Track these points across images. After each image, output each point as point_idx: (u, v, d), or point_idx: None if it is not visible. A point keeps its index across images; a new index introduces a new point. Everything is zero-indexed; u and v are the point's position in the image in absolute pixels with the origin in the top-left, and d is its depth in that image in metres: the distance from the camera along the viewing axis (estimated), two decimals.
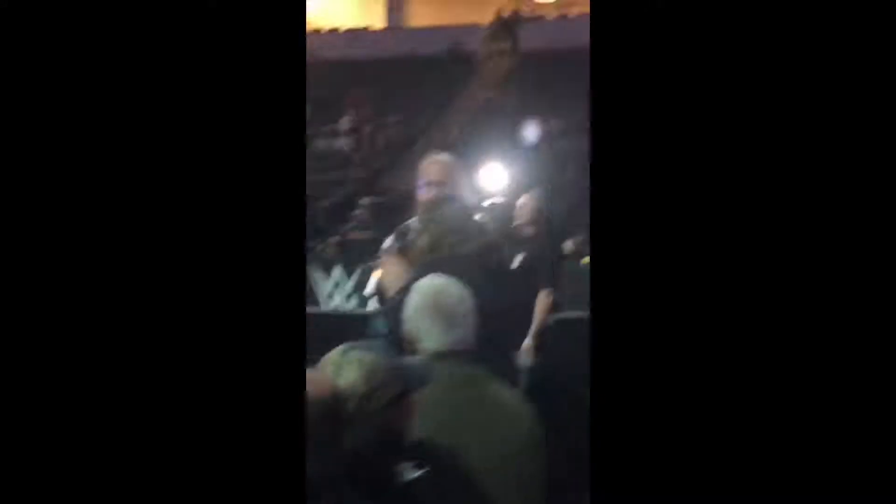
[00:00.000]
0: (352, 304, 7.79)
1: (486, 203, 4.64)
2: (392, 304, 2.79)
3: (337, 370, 1.78)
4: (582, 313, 3.28)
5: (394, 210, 5.03)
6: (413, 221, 3.34)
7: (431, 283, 2.30)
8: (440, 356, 2.17)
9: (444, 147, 12.71)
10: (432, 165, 3.47)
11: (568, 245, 6.16)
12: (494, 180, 7.48)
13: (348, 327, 2.95)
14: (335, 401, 1.69)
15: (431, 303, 2.23)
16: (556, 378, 2.91)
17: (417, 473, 1.80)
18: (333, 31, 16.85)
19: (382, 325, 2.79)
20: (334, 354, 1.83)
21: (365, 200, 9.67)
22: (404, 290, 2.59)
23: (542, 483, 2.16)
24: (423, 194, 3.40)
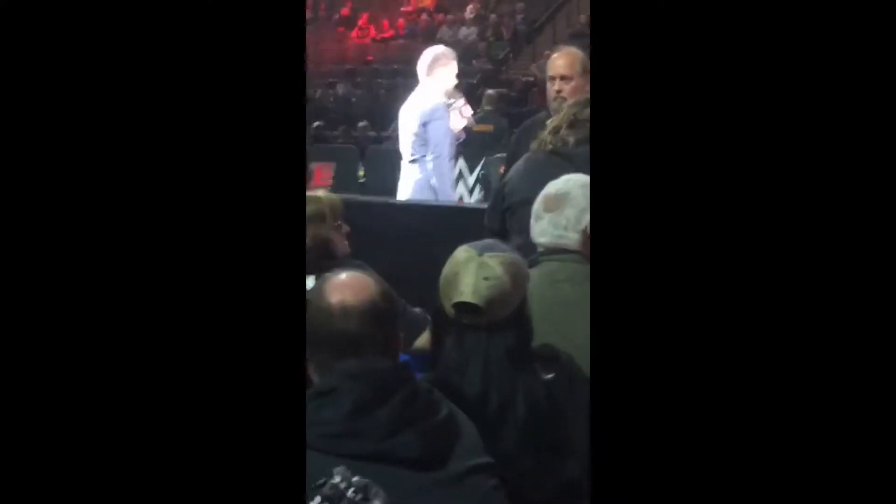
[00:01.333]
0: (475, 198, 7.80)
1: None
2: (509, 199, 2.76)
3: (479, 269, 1.75)
4: None
5: (518, 102, 4.96)
6: (540, 116, 3.28)
7: (564, 177, 2.24)
8: (545, 251, 2.12)
9: (571, 37, 12.44)
10: (560, 59, 3.39)
11: None
12: None
13: (471, 221, 2.94)
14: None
15: (546, 195, 2.18)
16: None
17: (550, 375, 1.79)
18: None
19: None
20: (465, 254, 1.79)
21: (489, 92, 9.56)
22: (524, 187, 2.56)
23: None
24: (551, 88, 3.34)
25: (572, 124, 2.72)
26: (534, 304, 1.89)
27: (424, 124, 4.45)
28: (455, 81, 4.59)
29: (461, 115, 4.61)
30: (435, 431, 1.57)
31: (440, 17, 16.62)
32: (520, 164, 2.87)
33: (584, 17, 14.43)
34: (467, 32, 15.62)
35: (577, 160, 2.57)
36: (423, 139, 4.47)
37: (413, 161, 4.52)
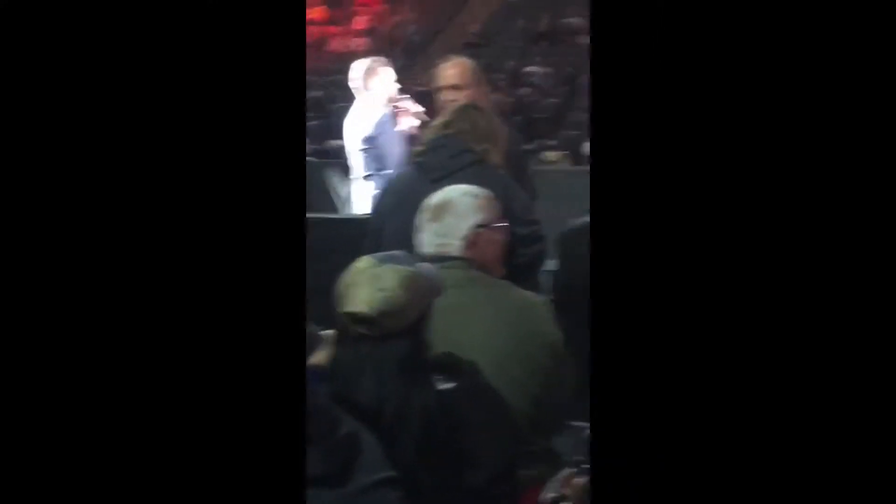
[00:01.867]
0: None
1: None
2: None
3: (373, 280, 1.75)
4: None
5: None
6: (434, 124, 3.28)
7: (447, 187, 2.27)
8: (430, 260, 2.14)
9: (464, 46, 12.54)
10: (450, 69, 3.41)
11: None
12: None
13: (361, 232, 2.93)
14: None
15: (427, 206, 2.21)
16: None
17: (450, 385, 1.79)
18: None
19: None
20: (364, 264, 1.79)
21: None
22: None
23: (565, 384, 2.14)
24: (443, 99, 3.35)
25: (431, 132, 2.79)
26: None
27: (373, 138, 4.39)
28: (397, 86, 4.55)
29: (411, 114, 4.53)
30: (336, 448, 1.56)
31: (330, 28, 16.57)
32: (393, 176, 2.93)
33: (476, 27, 14.57)
34: (358, 44, 15.59)
35: (427, 168, 2.66)
36: (374, 154, 4.41)
37: (368, 177, 4.45)
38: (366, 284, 1.75)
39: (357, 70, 4.51)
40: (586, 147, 6.45)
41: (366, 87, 4.46)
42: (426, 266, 1.87)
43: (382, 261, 1.79)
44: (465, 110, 2.84)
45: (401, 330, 1.76)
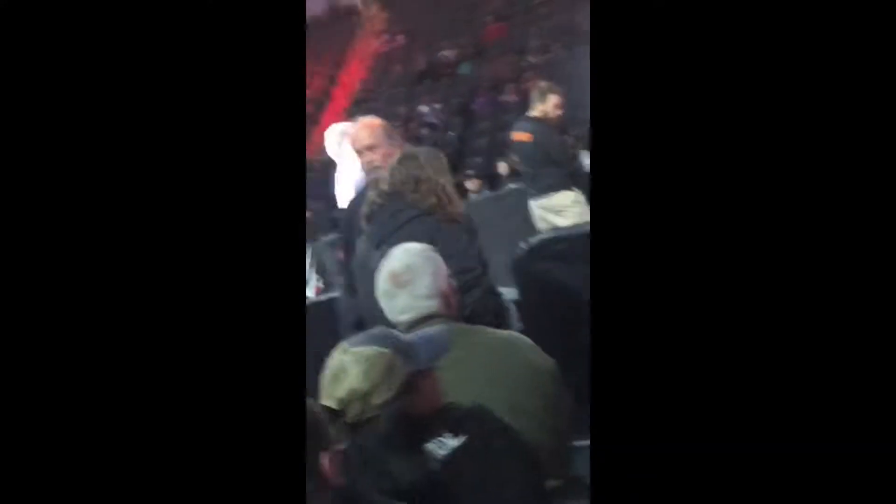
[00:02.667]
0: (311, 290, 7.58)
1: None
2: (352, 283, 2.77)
3: (339, 370, 1.72)
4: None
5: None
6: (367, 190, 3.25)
7: (399, 250, 2.28)
8: (412, 324, 2.14)
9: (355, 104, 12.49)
10: (361, 131, 3.41)
11: None
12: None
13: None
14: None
15: (392, 273, 2.20)
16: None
17: (455, 444, 1.79)
18: None
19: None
20: (337, 354, 1.76)
21: None
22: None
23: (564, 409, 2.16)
24: (363, 162, 3.34)
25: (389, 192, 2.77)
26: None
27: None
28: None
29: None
30: None
31: None
32: (362, 244, 2.88)
33: (358, 82, 14.65)
34: None
35: (370, 235, 2.63)
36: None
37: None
38: (332, 375, 1.74)
39: (330, 138, 4.38)
40: (501, 167, 6.51)
41: (341, 153, 4.27)
42: (427, 333, 1.86)
43: (354, 344, 1.77)
44: (401, 163, 2.83)
45: (375, 412, 1.73)
